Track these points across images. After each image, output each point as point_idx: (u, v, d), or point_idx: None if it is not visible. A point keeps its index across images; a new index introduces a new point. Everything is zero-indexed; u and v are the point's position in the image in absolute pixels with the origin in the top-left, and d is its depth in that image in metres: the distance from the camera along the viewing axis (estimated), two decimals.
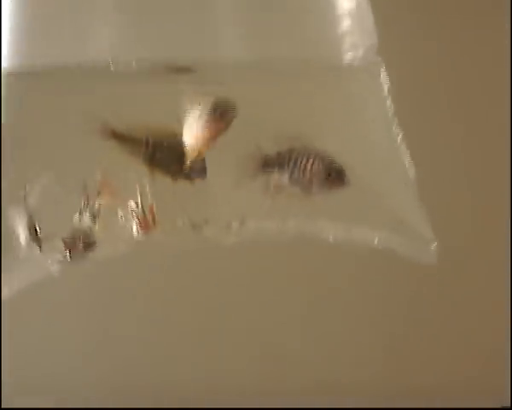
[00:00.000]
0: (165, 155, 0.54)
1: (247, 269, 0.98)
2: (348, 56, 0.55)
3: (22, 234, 0.54)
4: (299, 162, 0.55)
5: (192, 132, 0.53)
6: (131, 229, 0.54)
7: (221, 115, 0.54)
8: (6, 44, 0.54)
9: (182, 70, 0.53)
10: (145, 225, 0.54)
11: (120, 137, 0.54)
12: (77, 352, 1.00)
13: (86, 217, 0.54)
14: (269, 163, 0.56)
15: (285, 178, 0.55)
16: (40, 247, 0.54)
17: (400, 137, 0.56)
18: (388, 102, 0.56)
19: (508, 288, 0.99)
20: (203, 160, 0.54)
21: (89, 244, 0.54)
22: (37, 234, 0.54)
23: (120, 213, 0.54)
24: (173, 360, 1.00)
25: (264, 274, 0.99)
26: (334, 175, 0.56)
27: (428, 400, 0.99)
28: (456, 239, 0.98)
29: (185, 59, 0.53)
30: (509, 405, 0.97)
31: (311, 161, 0.56)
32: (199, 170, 0.54)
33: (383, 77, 0.56)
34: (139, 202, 0.54)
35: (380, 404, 0.99)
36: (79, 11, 0.53)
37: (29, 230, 0.54)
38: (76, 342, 1.00)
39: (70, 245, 0.54)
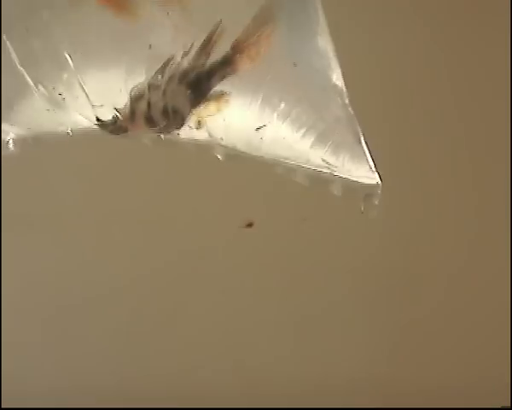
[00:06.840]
0: None
1: None
2: None
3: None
4: None
5: None
6: None
7: None
8: None
9: None
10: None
11: None
12: (77, 352, 1.01)
13: None
14: None
15: None
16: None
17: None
18: None
19: (508, 287, 0.98)
20: None
21: None
22: None
23: None
24: (173, 360, 1.01)
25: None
26: None
27: (428, 400, 0.99)
28: (458, 238, 0.98)
29: None
30: (509, 405, 0.97)
31: None
32: None
33: None
34: None
35: (379, 404, 0.99)
36: None
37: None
38: (76, 343, 1.00)
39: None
